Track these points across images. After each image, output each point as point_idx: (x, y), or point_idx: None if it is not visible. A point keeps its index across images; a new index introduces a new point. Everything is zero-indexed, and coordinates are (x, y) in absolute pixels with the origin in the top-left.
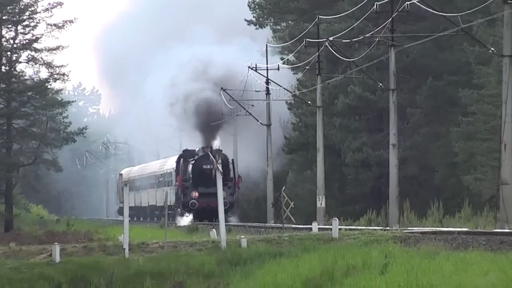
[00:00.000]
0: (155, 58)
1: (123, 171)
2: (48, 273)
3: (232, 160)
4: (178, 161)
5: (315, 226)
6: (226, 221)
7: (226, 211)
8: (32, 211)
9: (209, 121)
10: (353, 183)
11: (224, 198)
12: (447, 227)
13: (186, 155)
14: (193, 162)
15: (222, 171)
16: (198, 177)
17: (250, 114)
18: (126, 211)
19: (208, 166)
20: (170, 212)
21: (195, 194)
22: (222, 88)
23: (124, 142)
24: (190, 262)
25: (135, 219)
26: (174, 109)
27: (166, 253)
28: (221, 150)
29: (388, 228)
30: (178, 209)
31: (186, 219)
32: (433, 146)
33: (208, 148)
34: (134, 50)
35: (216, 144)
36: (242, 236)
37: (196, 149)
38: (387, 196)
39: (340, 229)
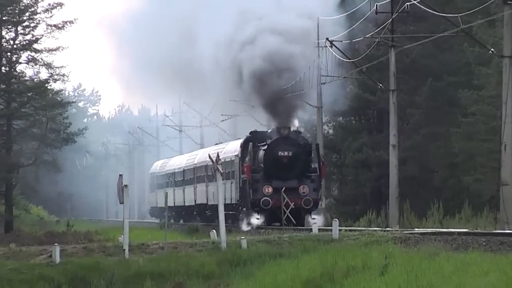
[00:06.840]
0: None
1: (155, 164)
2: (48, 274)
3: (317, 145)
4: (245, 146)
5: (315, 227)
6: (307, 223)
7: (309, 211)
8: (32, 212)
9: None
10: (353, 183)
11: (305, 195)
12: (447, 228)
13: (255, 138)
14: (265, 147)
15: (301, 159)
16: (271, 168)
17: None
18: (126, 212)
19: (286, 153)
20: (231, 212)
21: (268, 189)
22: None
23: (124, 143)
24: (190, 263)
25: (172, 221)
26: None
27: (166, 254)
28: (300, 132)
29: (388, 229)
30: (244, 209)
31: (256, 222)
32: (433, 146)
33: (285, 129)
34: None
35: (296, 124)
36: (242, 237)
37: (269, 131)
38: (387, 196)
39: (340, 230)
